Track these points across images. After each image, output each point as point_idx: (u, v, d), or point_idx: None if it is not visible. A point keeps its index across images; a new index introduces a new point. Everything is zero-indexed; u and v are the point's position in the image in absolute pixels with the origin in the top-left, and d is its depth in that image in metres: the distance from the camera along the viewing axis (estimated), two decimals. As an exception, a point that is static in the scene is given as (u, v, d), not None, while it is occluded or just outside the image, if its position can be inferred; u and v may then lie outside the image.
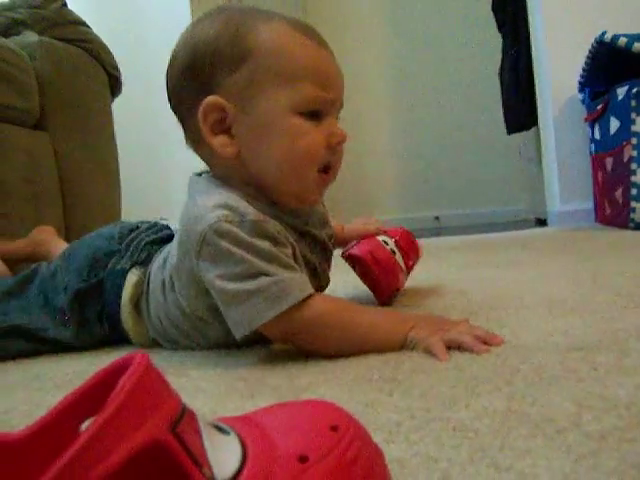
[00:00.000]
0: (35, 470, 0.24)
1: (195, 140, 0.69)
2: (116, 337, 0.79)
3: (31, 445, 0.25)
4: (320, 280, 0.76)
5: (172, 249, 0.72)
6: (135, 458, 0.22)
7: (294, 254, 0.66)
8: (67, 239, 1.45)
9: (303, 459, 0.27)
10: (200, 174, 0.73)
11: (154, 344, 0.76)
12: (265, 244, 0.61)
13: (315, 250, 0.74)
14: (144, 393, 0.23)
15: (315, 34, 0.68)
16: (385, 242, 0.87)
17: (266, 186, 0.68)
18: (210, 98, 0.64)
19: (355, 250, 0.87)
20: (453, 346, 0.59)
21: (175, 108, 0.71)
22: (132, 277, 0.76)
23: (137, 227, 0.83)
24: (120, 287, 0.76)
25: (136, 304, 0.76)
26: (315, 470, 0.27)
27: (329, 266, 0.79)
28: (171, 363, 0.67)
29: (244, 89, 0.64)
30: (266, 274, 0.60)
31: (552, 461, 0.35)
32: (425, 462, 0.36)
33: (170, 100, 0.71)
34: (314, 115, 0.66)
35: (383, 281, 0.86)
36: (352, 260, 0.88)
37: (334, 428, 0.29)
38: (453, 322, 0.64)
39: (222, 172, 0.69)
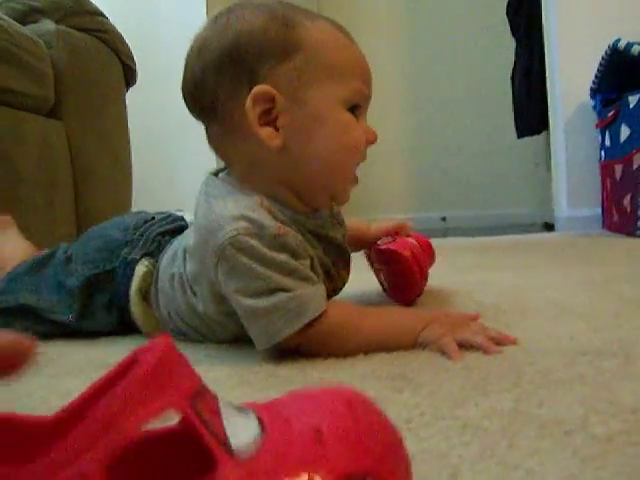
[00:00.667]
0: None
1: (229, 132, 0.66)
2: (123, 326, 0.80)
3: (60, 429, 0.26)
4: (335, 282, 0.75)
5: (186, 245, 0.72)
6: (155, 436, 0.23)
7: (312, 264, 0.66)
8: (78, 227, 1.46)
9: (318, 432, 0.27)
10: (216, 173, 0.71)
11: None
12: (284, 257, 0.61)
13: (330, 252, 0.73)
14: (165, 369, 0.24)
15: (350, 35, 0.69)
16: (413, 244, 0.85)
17: (301, 183, 0.67)
18: (261, 87, 0.62)
19: (393, 246, 0.83)
20: (465, 346, 0.60)
21: (200, 101, 0.67)
22: (141, 268, 0.76)
23: (152, 218, 0.83)
24: (130, 277, 0.77)
25: (145, 295, 0.77)
26: (330, 440, 0.27)
27: (347, 268, 0.78)
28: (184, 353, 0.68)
29: (295, 80, 0.63)
30: (284, 289, 0.60)
31: (559, 461, 0.36)
32: (435, 458, 0.37)
33: (191, 94, 0.67)
34: (354, 110, 0.66)
35: (418, 281, 0.84)
36: (385, 256, 0.85)
37: (348, 403, 0.29)
38: (466, 320, 0.65)
39: (246, 172, 0.67)
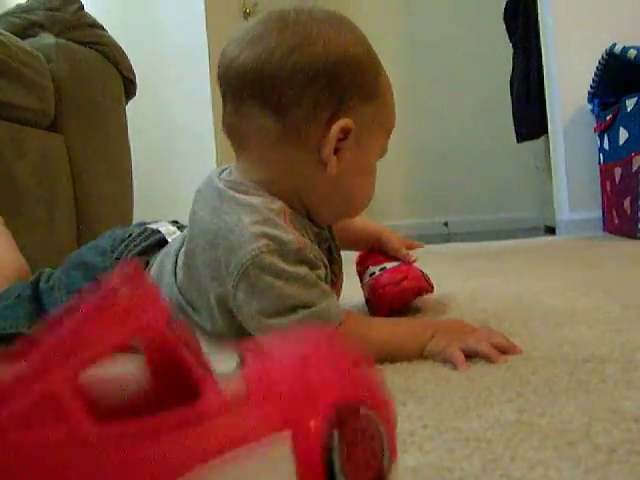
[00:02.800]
0: None
1: (287, 136, 0.65)
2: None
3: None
4: (334, 289, 0.76)
5: (179, 265, 0.70)
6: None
7: (325, 273, 0.67)
8: (78, 240, 1.46)
9: (304, 359, 0.25)
10: (220, 172, 0.71)
11: None
12: (303, 270, 0.62)
13: (331, 259, 0.74)
14: (140, 299, 0.22)
15: None
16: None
17: (320, 204, 0.70)
18: (348, 121, 0.65)
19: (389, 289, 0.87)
20: (471, 355, 0.60)
21: (266, 85, 0.64)
22: None
23: (129, 235, 0.81)
24: None
25: None
26: (318, 368, 0.25)
27: (340, 274, 0.79)
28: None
29: (367, 123, 0.67)
30: (304, 306, 0.61)
31: (563, 472, 0.36)
32: (439, 471, 0.37)
33: (257, 71, 0.64)
34: None
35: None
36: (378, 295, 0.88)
37: (331, 338, 0.30)
38: (474, 329, 0.65)
39: (275, 178, 0.67)
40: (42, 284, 0.83)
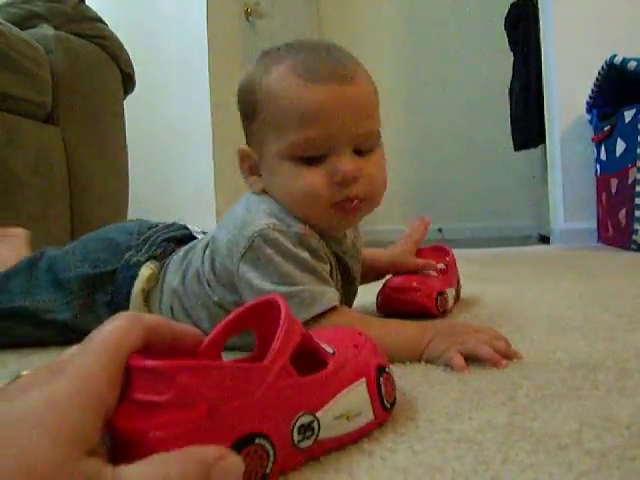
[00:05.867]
0: None
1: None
2: None
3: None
4: None
5: (209, 244, 0.74)
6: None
7: (331, 271, 0.70)
8: (72, 234, 1.46)
9: (356, 347, 0.46)
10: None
11: None
12: (306, 255, 0.67)
13: (343, 280, 0.76)
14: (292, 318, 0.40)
15: (321, 69, 0.66)
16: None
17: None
18: (241, 147, 0.73)
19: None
20: (471, 358, 0.59)
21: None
22: (146, 270, 0.78)
23: (156, 225, 0.86)
24: (133, 279, 0.78)
25: (146, 297, 0.78)
26: (362, 350, 0.46)
27: (351, 304, 0.82)
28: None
29: (259, 138, 0.70)
30: (300, 285, 0.64)
31: (554, 476, 0.35)
32: (429, 472, 0.37)
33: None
34: (310, 157, 0.67)
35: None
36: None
37: (359, 334, 0.50)
38: (476, 330, 0.64)
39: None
40: (51, 251, 0.85)
